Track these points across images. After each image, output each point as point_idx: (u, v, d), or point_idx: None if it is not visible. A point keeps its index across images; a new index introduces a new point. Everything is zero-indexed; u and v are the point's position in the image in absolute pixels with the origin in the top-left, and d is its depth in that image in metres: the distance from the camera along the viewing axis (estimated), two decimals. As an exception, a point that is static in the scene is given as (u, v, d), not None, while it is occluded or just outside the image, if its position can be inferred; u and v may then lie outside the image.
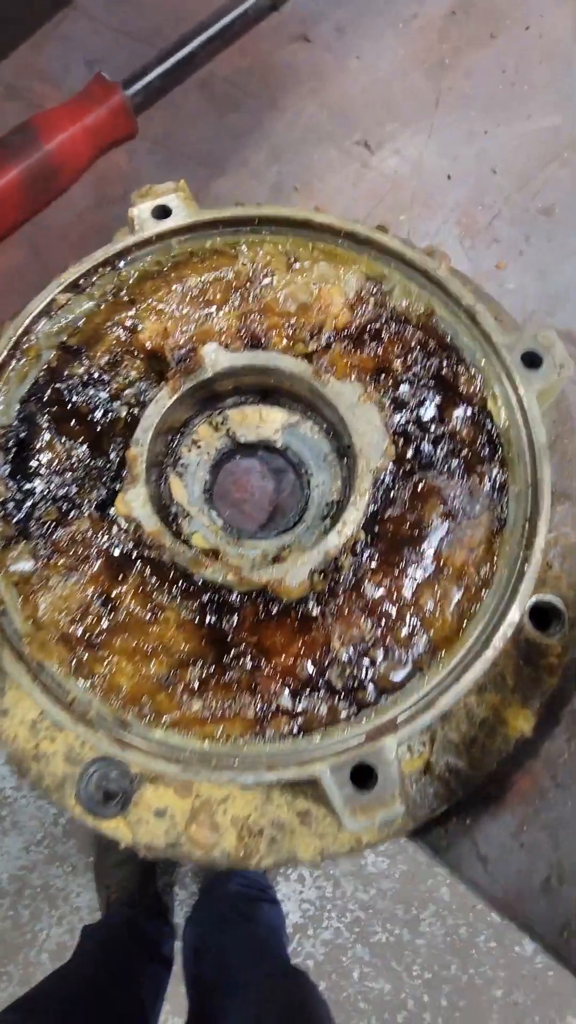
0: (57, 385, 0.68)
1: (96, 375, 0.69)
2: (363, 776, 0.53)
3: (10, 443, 0.66)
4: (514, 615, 0.57)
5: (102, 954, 1.67)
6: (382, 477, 0.66)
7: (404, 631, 0.62)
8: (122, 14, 1.02)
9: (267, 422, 0.73)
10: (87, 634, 0.61)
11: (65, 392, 0.68)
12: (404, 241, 0.75)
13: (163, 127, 0.96)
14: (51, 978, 1.46)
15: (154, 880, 2.42)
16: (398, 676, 0.61)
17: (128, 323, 0.69)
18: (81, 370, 0.69)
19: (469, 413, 0.68)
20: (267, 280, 0.70)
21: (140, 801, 0.63)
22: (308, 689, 0.61)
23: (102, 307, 0.70)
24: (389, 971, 2.50)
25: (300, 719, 0.59)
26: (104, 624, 0.62)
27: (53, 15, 1.00)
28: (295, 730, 0.59)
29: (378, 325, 0.70)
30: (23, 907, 2.55)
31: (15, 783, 2.65)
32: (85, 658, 0.61)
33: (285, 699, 0.60)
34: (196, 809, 0.63)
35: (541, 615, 0.70)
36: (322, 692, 0.61)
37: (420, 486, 0.66)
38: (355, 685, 0.60)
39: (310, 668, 0.61)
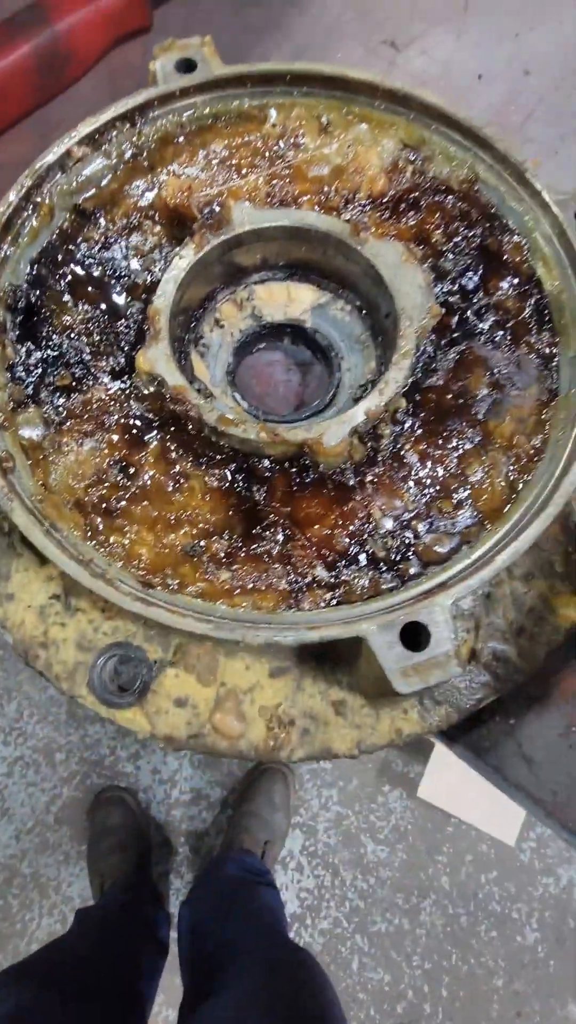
0: (71, 247, 0.63)
1: (113, 239, 0.64)
2: (414, 637, 0.48)
3: (20, 304, 0.61)
4: (574, 476, 0.52)
5: (97, 932, 1.59)
6: (423, 347, 0.61)
7: (450, 502, 0.57)
8: None
9: (295, 301, 0.68)
10: (103, 502, 0.56)
11: (80, 256, 0.63)
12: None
13: (180, 23, 0.92)
14: (43, 951, 1.38)
15: (149, 868, 2.34)
16: (444, 548, 0.56)
17: (149, 186, 0.64)
18: (97, 234, 0.64)
19: (516, 283, 0.63)
20: (299, 143, 0.66)
21: (159, 690, 0.58)
22: (346, 561, 0.55)
23: (119, 172, 0.65)
24: (388, 961, 2.43)
25: (339, 590, 0.54)
26: (122, 492, 0.56)
27: None
28: (333, 603, 0.53)
29: (417, 194, 0.65)
30: (12, 897, 2.45)
31: (5, 770, 2.56)
32: (101, 526, 0.55)
33: (321, 571, 0.55)
34: (221, 698, 0.58)
35: (590, 503, 0.65)
36: (362, 563, 0.55)
37: (465, 357, 0.62)
38: (398, 557, 0.55)
39: (348, 540, 0.56)
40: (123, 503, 0.56)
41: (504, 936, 2.51)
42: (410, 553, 0.56)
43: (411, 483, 0.58)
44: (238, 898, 1.82)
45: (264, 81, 0.65)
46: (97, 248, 0.63)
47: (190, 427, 0.58)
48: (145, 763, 2.58)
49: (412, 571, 0.55)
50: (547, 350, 0.61)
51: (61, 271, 0.62)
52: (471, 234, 0.64)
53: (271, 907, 1.86)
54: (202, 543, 0.55)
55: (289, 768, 2.49)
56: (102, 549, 0.54)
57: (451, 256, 0.64)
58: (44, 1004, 1.00)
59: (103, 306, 0.62)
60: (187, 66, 0.65)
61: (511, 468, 0.57)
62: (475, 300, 0.63)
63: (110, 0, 0.84)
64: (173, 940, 1.96)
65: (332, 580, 0.54)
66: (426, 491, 0.57)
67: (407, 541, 0.56)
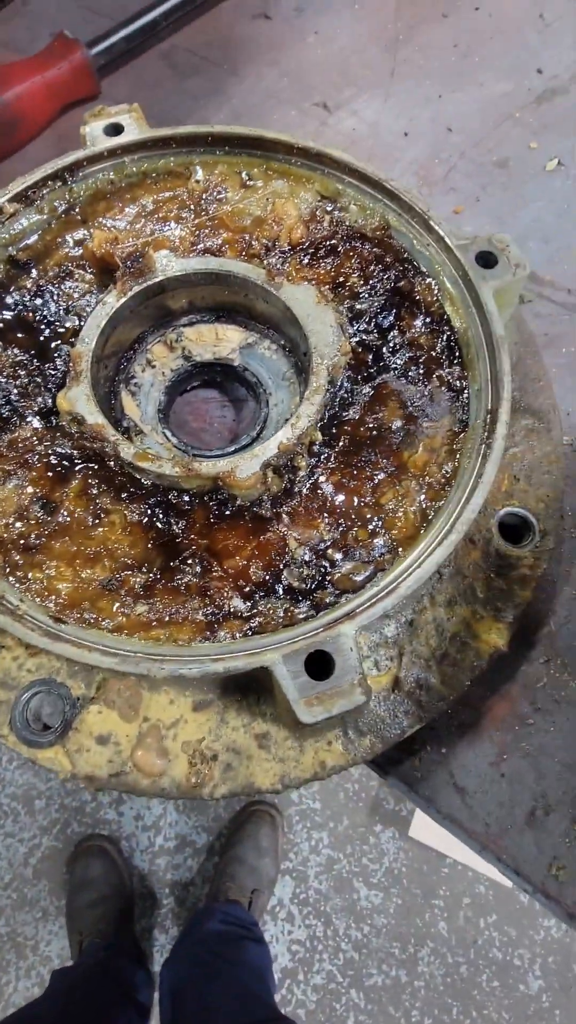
0: (3, 296, 0.66)
1: (45, 287, 0.67)
2: (320, 666, 0.49)
3: (-49, 351, 0.63)
4: (478, 499, 0.54)
5: (72, 995, 1.50)
6: (340, 381, 0.63)
7: (364, 531, 0.58)
8: (89, -8, 1.06)
9: (224, 341, 0.71)
10: (22, 538, 0.57)
11: (12, 303, 0.66)
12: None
13: (126, 90, 0.99)
14: (13, 1018, 1.30)
15: (131, 923, 2.24)
16: (358, 576, 0.57)
17: (79, 238, 0.68)
18: (30, 283, 0.67)
19: (427, 321, 0.66)
20: (221, 196, 0.70)
21: (81, 727, 0.57)
22: (263, 592, 0.56)
23: (53, 224, 0.69)
24: (387, 1018, 2.31)
25: (254, 621, 0.54)
26: (43, 528, 0.57)
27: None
28: (249, 633, 0.54)
29: (334, 241, 0.69)
30: (-13, 958, 2.33)
31: (-17, 824, 2.47)
32: (20, 562, 0.56)
33: (237, 602, 0.55)
34: (143, 734, 0.57)
35: (511, 530, 0.67)
36: (279, 594, 0.56)
37: (380, 391, 0.64)
38: (313, 587, 0.56)
39: (264, 571, 0.57)
40: (43, 539, 0.57)
41: (507, 985, 2.40)
42: (326, 582, 0.57)
43: (327, 513, 0.59)
44: (222, 958, 1.74)
45: (188, 142, 0.70)
46: (29, 296, 0.66)
47: (111, 463, 0.59)
48: (128, 808, 2.49)
49: (328, 600, 0.56)
50: (457, 383, 0.63)
51: (-8, 319, 0.65)
52: (385, 276, 0.68)
53: (256, 967, 1.78)
54: (119, 577, 0.56)
55: (277, 810, 2.42)
56: (19, 585, 0.55)
57: (367, 297, 0.67)
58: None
59: (32, 350, 0.65)
60: (115, 130, 0.69)
61: (423, 496, 0.59)
62: (390, 338, 0.66)
63: (57, 72, 0.91)
64: (156, 1000, 1.86)
65: (248, 611, 0.55)
66: (342, 521, 0.59)
67: (323, 570, 0.57)
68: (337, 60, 1.02)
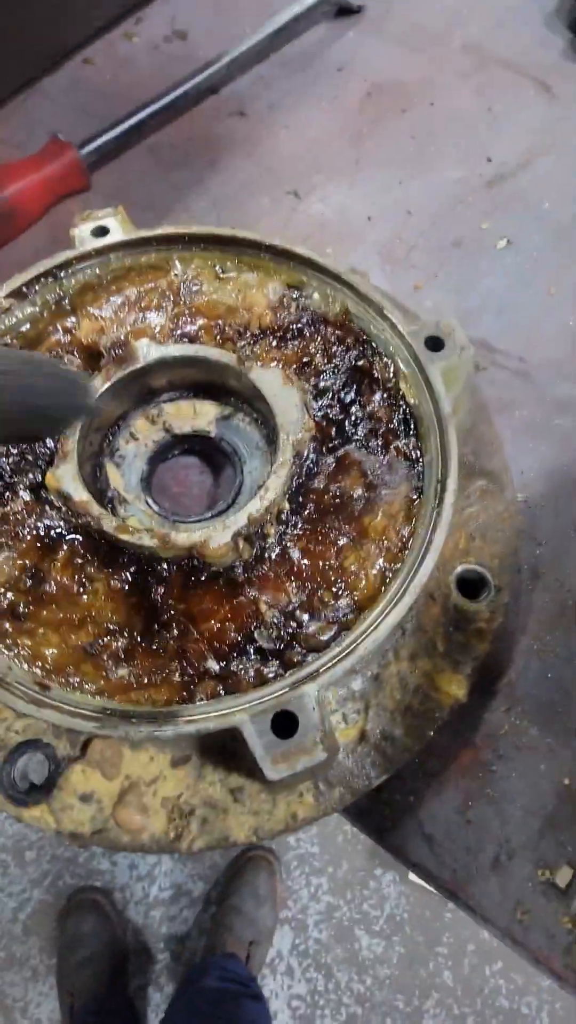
0: (-1, 382, 0.72)
1: (37, 372, 0.73)
2: (286, 725, 0.53)
3: (-50, 433, 0.69)
4: (428, 564, 0.59)
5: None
6: (305, 453, 0.69)
7: (329, 593, 0.63)
8: (80, 95, 1.17)
9: (201, 414, 0.78)
10: (12, 607, 0.61)
11: (7, 388, 0.72)
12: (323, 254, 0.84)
13: (114, 183, 1.09)
14: None
15: (125, 982, 2.17)
16: (324, 636, 0.61)
17: (68, 326, 0.75)
18: (23, 369, 0.74)
19: (385, 396, 0.73)
20: (197, 288, 0.78)
21: (65, 786, 0.61)
22: (236, 653, 0.61)
23: (45, 314, 0.76)
24: (393, 1080, 2.22)
25: (228, 681, 0.59)
26: (31, 596, 0.62)
27: (18, 94, 1.16)
28: (222, 693, 0.58)
29: (299, 325, 0.77)
30: (-27, 1024, 2.24)
31: (-28, 875, 2.41)
32: (9, 630, 0.60)
33: (212, 663, 0.60)
34: (124, 791, 0.61)
35: (469, 586, 0.72)
36: (250, 655, 0.61)
37: (343, 461, 0.70)
38: (282, 647, 0.61)
39: (237, 633, 0.61)
40: (31, 607, 0.62)
41: (517, 1037, 2.32)
42: (294, 642, 0.61)
43: (295, 577, 0.64)
44: (219, 1019, 1.69)
45: (167, 241, 0.78)
46: (22, 381, 0.73)
47: (95, 535, 0.65)
48: (122, 857, 2.44)
49: (296, 658, 0.60)
50: (413, 453, 0.70)
51: (-11, 402, 0.71)
52: (347, 356, 0.75)
53: (256, 1027, 1.73)
54: (102, 641, 0.61)
55: (275, 855, 2.38)
56: (8, 652, 0.59)
57: (331, 375, 0.74)
58: None
59: (25, 431, 0.71)
60: (101, 231, 0.78)
61: (382, 559, 0.64)
62: (352, 411, 0.73)
63: (51, 170, 1.01)
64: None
65: (222, 672, 0.60)
66: (308, 584, 0.64)
67: (291, 631, 0.62)
68: (306, 151, 1.13)
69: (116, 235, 0.77)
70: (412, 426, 0.71)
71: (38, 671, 0.58)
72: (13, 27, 1.07)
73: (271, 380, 0.70)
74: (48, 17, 1.13)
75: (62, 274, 0.76)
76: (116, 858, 2.42)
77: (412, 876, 2.32)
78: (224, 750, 0.63)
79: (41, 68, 1.18)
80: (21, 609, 0.61)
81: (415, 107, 1.18)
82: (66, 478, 0.64)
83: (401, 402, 0.72)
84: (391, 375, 0.73)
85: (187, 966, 2.29)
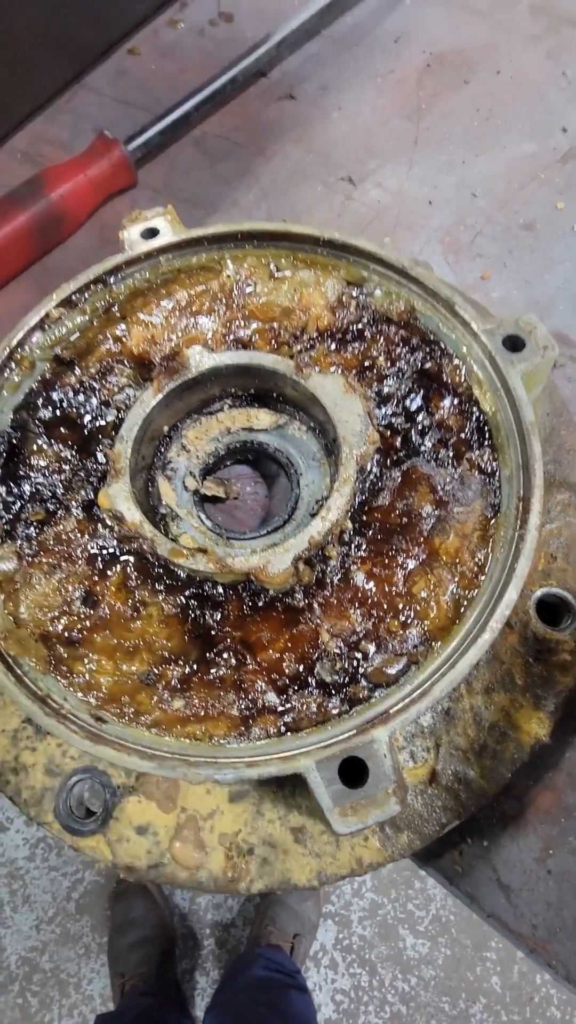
0: (50, 393, 0.70)
1: (87, 383, 0.71)
2: (354, 772, 0.49)
3: (2, 449, 0.68)
4: (511, 595, 0.53)
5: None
6: (369, 467, 0.64)
7: (397, 622, 0.58)
8: (125, 87, 1.13)
9: (256, 423, 0.74)
10: (67, 631, 0.60)
11: (58, 400, 0.70)
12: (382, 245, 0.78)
13: (161, 177, 1.05)
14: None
15: (173, 965, 2.22)
16: (392, 669, 0.56)
17: (118, 335, 0.72)
18: (73, 379, 0.71)
19: (456, 402, 0.67)
20: (251, 289, 0.73)
21: (121, 816, 0.59)
22: (296, 685, 0.57)
23: (95, 322, 0.73)
24: (438, 1079, 2.20)
25: (288, 716, 0.55)
26: (85, 621, 0.60)
27: (64, 92, 1.13)
28: (282, 729, 0.55)
29: (360, 325, 0.71)
30: (32, 994, 2.35)
31: (27, 852, 2.52)
32: (64, 656, 0.58)
33: (271, 696, 0.56)
34: (181, 825, 0.58)
35: (549, 610, 0.65)
36: (311, 688, 0.57)
37: (409, 475, 0.65)
38: (346, 680, 0.56)
39: (298, 663, 0.57)
40: (85, 632, 0.60)
41: (566, 1050, 2.25)
42: (359, 675, 0.57)
43: (359, 604, 0.59)
44: (265, 1007, 1.71)
45: (218, 240, 0.74)
46: (73, 393, 0.71)
47: (148, 557, 0.62)
48: (169, 845, 2.49)
49: (362, 694, 0.56)
50: (488, 466, 0.63)
51: (40, 415, 0.69)
52: (412, 358, 0.69)
53: (301, 1017, 1.74)
54: (157, 670, 0.58)
55: (319, 850, 2.36)
56: (63, 680, 0.57)
57: (395, 380, 0.69)
58: None
59: (76, 445, 0.69)
60: (151, 233, 0.74)
61: (456, 585, 0.59)
62: (418, 420, 0.67)
63: (98, 169, 0.97)
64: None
65: (282, 706, 0.56)
66: (374, 611, 0.59)
67: (356, 663, 0.57)
68: (361, 133, 1.06)
69: (166, 236, 0.73)
70: (487, 436, 0.64)
71: (93, 701, 0.56)
72: (58, 24, 1.04)
73: (331, 388, 0.65)
74: (92, 10, 1.10)
75: (112, 280, 0.73)
76: (163, 845, 2.47)
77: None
78: (283, 784, 0.59)
79: (86, 62, 1.14)
80: (75, 634, 0.59)
81: (479, 77, 1.08)
82: (118, 497, 0.62)
83: (474, 409, 0.66)
84: (462, 379, 0.67)
85: (232, 953, 2.32)
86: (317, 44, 1.15)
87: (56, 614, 0.60)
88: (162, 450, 0.74)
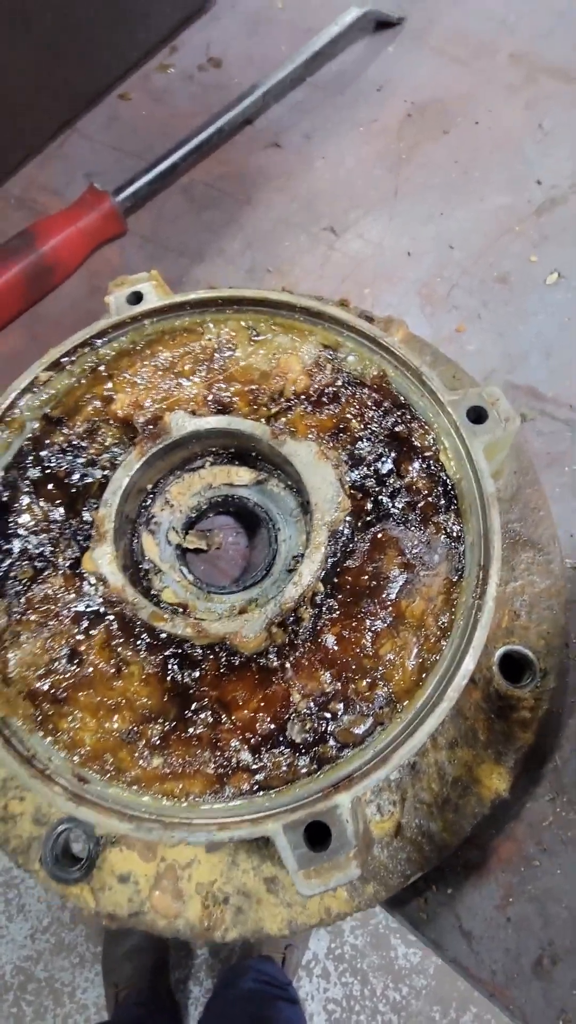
0: (39, 453, 0.73)
1: (74, 442, 0.74)
2: (319, 835, 0.52)
3: (-8, 508, 0.71)
4: (468, 665, 0.57)
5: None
6: (341, 529, 0.68)
7: (364, 683, 0.62)
8: (117, 134, 1.17)
9: (236, 480, 0.77)
10: (53, 689, 0.63)
11: (45, 459, 0.73)
12: (360, 312, 0.81)
13: (149, 225, 1.08)
14: None
15: (166, 975, 2.25)
16: (359, 729, 0.60)
17: (105, 395, 0.76)
18: (61, 438, 0.74)
19: (424, 466, 0.70)
20: (231, 352, 0.77)
21: (104, 865, 0.62)
22: (268, 744, 0.60)
23: (82, 382, 0.77)
24: None
25: (260, 775, 0.58)
26: (70, 679, 0.63)
27: (56, 137, 1.16)
28: (254, 787, 0.58)
29: (335, 388, 0.75)
30: (26, 1004, 2.38)
31: (24, 862, 2.55)
32: (50, 713, 0.62)
33: (245, 755, 0.60)
34: (160, 874, 0.62)
35: (513, 665, 0.69)
36: (282, 747, 0.60)
37: (379, 537, 0.68)
38: (315, 739, 0.60)
39: (270, 723, 0.61)
40: (70, 690, 0.63)
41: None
42: (327, 735, 0.60)
43: (328, 665, 0.63)
44: (256, 1018, 1.74)
45: (200, 305, 0.77)
46: (61, 452, 0.74)
47: (129, 617, 0.65)
48: (163, 855, 2.52)
49: (329, 753, 0.59)
50: (454, 530, 0.67)
51: (28, 474, 0.73)
52: (385, 421, 0.73)
53: (292, 1030, 1.77)
54: (138, 728, 0.61)
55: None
56: (49, 738, 0.61)
57: (367, 442, 0.72)
58: None
59: (62, 504, 0.72)
60: (136, 298, 0.77)
61: (420, 648, 0.62)
62: (389, 482, 0.70)
63: (88, 220, 1.01)
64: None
65: (254, 764, 0.59)
66: (343, 672, 0.62)
67: (324, 723, 0.61)
68: (343, 183, 1.09)
69: (150, 301, 0.76)
70: (454, 500, 0.68)
71: (77, 759, 0.59)
72: (50, 69, 1.08)
73: (304, 455, 0.69)
74: (85, 55, 1.13)
75: (99, 343, 0.76)
76: (157, 856, 2.50)
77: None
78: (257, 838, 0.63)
79: (78, 108, 1.18)
80: (60, 692, 0.63)
81: (458, 127, 1.12)
82: (102, 561, 0.65)
83: (442, 473, 0.69)
84: (431, 443, 0.70)
85: (224, 963, 2.35)
86: (302, 92, 1.18)
87: (43, 672, 0.64)
88: (146, 505, 0.77)
